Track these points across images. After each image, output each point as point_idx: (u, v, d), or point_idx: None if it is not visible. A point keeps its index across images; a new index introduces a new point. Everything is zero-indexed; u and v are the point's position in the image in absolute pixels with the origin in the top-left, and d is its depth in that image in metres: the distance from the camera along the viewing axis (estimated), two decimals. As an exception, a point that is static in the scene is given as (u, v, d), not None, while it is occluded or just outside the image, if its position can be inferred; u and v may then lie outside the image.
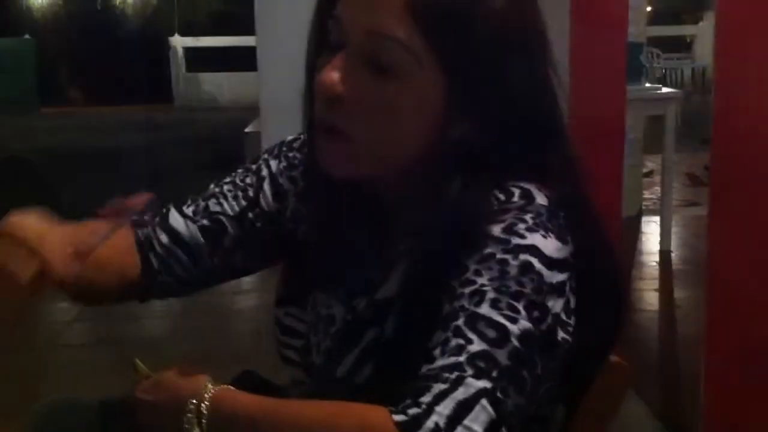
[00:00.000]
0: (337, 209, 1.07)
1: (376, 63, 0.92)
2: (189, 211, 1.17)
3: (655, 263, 5.19)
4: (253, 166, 1.19)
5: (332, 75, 0.93)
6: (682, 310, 4.45)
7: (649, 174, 7.13)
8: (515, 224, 0.91)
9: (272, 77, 5.05)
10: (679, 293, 4.76)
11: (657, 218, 5.60)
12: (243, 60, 19.97)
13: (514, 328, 0.85)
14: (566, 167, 1.00)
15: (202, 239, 1.15)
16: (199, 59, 19.96)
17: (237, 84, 19.69)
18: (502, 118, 0.94)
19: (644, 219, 6.09)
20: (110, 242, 1.04)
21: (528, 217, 0.92)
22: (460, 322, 0.85)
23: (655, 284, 4.87)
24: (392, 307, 0.99)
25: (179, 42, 19.74)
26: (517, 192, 0.94)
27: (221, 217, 1.15)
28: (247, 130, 9.20)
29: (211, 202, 1.17)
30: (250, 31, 21.48)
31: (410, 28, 0.90)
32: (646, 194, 6.66)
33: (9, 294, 0.92)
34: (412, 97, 0.93)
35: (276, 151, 1.20)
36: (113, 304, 1.21)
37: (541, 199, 0.94)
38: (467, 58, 0.92)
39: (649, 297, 4.64)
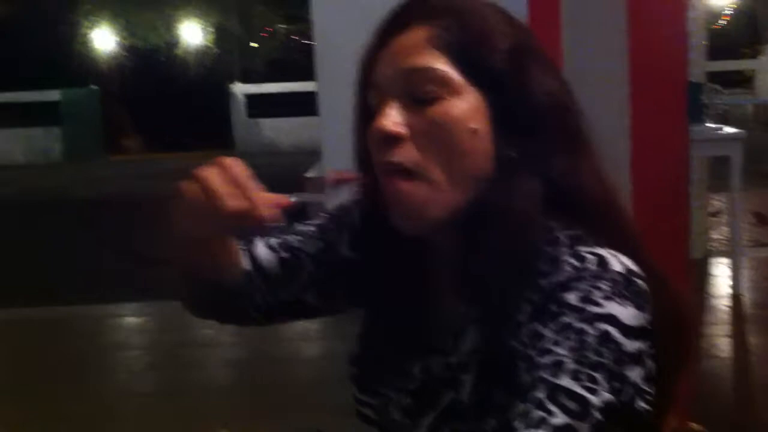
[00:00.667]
0: (402, 264, 1.07)
1: (420, 96, 0.97)
2: (273, 242, 1.20)
3: (726, 307, 5.05)
4: (338, 213, 1.23)
5: (385, 119, 0.98)
6: (756, 356, 4.32)
7: (715, 214, 6.99)
8: (591, 292, 0.91)
9: (333, 122, 5.10)
10: (753, 339, 4.63)
11: (725, 260, 5.46)
12: (302, 105, 20.34)
13: (595, 400, 0.85)
14: (625, 228, 1.01)
15: (280, 271, 1.17)
16: (259, 105, 20.36)
17: (297, 129, 20.00)
18: (534, 129, 0.97)
19: (712, 261, 5.95)
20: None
21: (604, 284, 0.91)
22: (541, 394, 0.86)
23: (728, 330, 4.74)
24: (467, 371, 0.99)
25: (240, 89, 20.19)
26: (591, 258, 0.94)
27: (300, 254, 1.18)
28: (307, 174, 9.29)
29: (294, 238, 1.20)
30: (309, 76, 21.64)
31: (438, 58, 0.97)
32: (713, 235, 6.52)
33: (211, 215, 0.96)
34: (460, 117, 0.96)
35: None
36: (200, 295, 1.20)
37: (616, 266, 0.93)
38: (494, 74, 0.97)
39: (722, 343, 4.51)
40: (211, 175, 0.96)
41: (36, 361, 4.57)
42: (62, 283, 6.56)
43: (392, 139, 0.97)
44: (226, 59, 19.70)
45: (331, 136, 5.02)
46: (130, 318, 5.71)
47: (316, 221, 1.23)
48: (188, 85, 19.50)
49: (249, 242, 1.20)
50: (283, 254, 1.19)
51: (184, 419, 3.58)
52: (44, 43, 19.54)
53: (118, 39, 19.66)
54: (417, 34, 0.99)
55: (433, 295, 1.06)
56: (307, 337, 4.76)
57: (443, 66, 0.97)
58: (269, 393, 4.00)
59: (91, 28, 19.45)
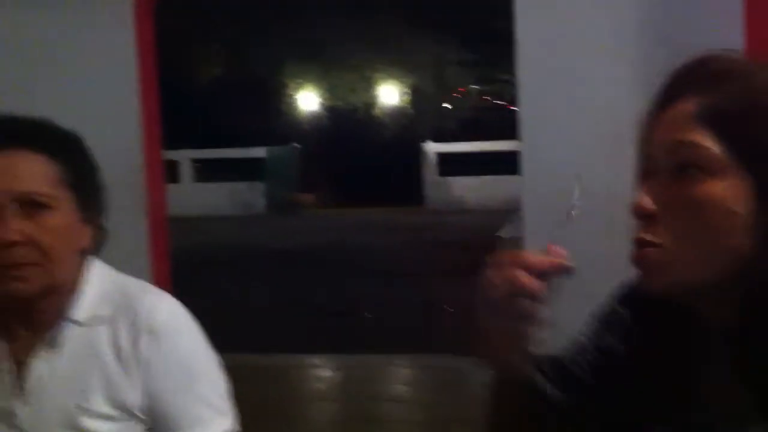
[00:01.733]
0: (665, 337, 1.03)
1: (680, 171, 0.94)
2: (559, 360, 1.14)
3: None
4: (605, 314, 1.15)
5: (643, 197, 0.97)
6: None
7: None
8: None
9: (536, 182, 5.08)
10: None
11: None
12: (492, 164, 20.47)
13: None
14: None
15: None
16: (450, 163, 20.67)
17: (486, 187, 20.09)
18: None
19: None
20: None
21: None
22: None
23: None
24: None
25: (432, 147, 20.61)
26: None
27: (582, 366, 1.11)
28: (501, 234, 9.28)
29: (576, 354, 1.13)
30: (499, 136, 21.73)
31: (704, 134, 0.93)
32: None
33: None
34: (717, 199, 0.92)
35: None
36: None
37: None
38: (763, 152, 0.91)
39: None
40: (516, 275, 0.93)
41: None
42: (257, 330, 6.84)
43: (646, 217, 0.96)
44: (419, 119, 20.22)
45: (532, 195, 5.01)
46: (321, 370, 5.87)
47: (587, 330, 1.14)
48: (383, 143, 20.16)
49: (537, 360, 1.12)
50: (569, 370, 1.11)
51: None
52: (252, 104, 20.96)
53: (319, 100, 20.70)
54: (685, 107, 0.96)
55: (707, 375, 1.00)
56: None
57: (706, 143, 0.93)
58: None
59: (295, 89, 20.63)
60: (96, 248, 1.26)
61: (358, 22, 18.24)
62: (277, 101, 20.85)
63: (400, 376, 5.40)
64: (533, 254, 0.94)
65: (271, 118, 20.86)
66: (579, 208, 1.03)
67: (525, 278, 0.92)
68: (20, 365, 1.20)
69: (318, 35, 18.97)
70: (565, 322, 1.08)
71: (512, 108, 22.12)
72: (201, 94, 20.70)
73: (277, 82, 20.60)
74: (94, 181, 1.25)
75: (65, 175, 1.18)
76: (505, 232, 9.72)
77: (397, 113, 20.38)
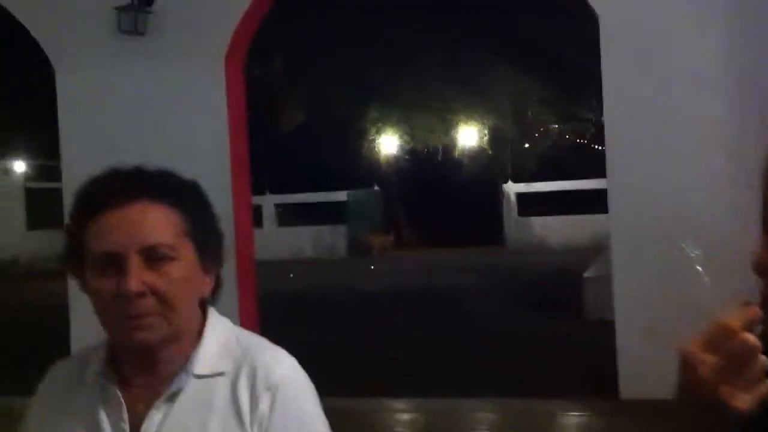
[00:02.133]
0: None
1: None
2: None
3: None
4: None
5: (758, 252, 0.96)
6: None
7: None
8: None
9: (625, 220, 5.02)
10: None
11: None
12: (573, 204, 20.24)
13: None
14: None
15: None
16: (530, 203, 20.52)
17: (567, 227, 19.84)
18: None
19: None
20: None
21: None
22: None
23: None
24: None
25: (512, 188, 20.52)
26: None
27: None
28: (586, 275, 9.13)
29: None
30: (580, 175, 21.39)
31: None
32: None
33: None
34: None
35: None
36: None
37: None
38: None
39: None
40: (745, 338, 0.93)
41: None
42: (345, 372, 6.85)
43: (760, 273, 0.96)
44: (499, 159, 20.19)
45: (621, 233, 4.96)
46: (406, 414, 5.83)
47: None
48: (463, 184, 20.17)
49: None
50: None
51: None
52: (334, 148, 21.30)
53: (399, 142, 20.89)
54: None
55: None
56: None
57: None
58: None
59: (376, 133, 20.89)
60: (214, 298, 1.26)
61: (438, 63, 18.41)
62: (358, 144, 21.14)
63: (485, 419, 5.34)
64: (733, 317, 0.90)
65: (352, 161, 21.13)
66: (701, 262, 1.02)
67: (752, 339, 0.88)
68: (137, 415, 1.19)
69: (398, 78, 19.21)
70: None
71: (593, 146, 21.88)
72: (283, 139, 21.13)
73: (358, 126, 20.91)
74: (213, 230, 1.25)
75: (186, 224, 1.19)
76: (590, 272, 9.57)
77: (476, 154, 20.39)
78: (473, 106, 19.67)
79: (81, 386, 1.24)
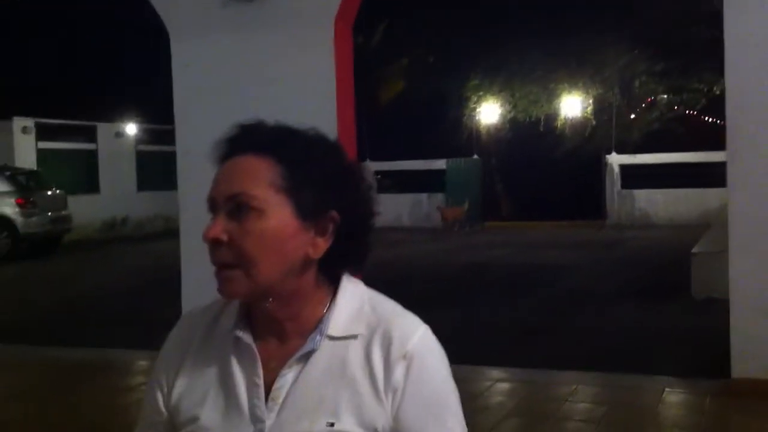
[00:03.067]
0: None
1: None
2: None
3: None
4: None
5: None
6: None
7: None
8: None
9: (745, 194, 4.81)
10: None
11: None
12: (679, 177, 19.56)
13: None
14: None
15: None
16: (633, 176, 19.95)
17: (673, 201, 19.24)
18: None
19: None
20: None
21: None
22: None
23: None
24: None
25: (615, 160, 19.98)
26: None
27: None
28: (695, 250, 8.81)
29: None
30: (687, 148, 20.76)
31: None
32: None
33: None
34: None
35: None
36: None
37: None
38: None
39: None
40: None
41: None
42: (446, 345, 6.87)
43: None
44: (602, 130, 19.66)
45: (739, 207, 4.76)
46: (507, 383, 5.81)
47: None
48: (564, 156, 19.76)
49: None
50: None
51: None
52: (435, 117, 21.22)
53: (501, 112, 20.61)
54: None
55: None
56: None
57: None
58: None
59: (477, 101, 20.67)
60: (351, 260, 1.23)
61: (543, 33, 18.04)
62: (459, 113, 20.98)
63: (589, 393, 5.27)
64: None
65: (453, 129, 21.02)
66: None
67: None
68: (269, 372, 1.19)
69: (501, 48, 18.93)
70: None
71: (703, 118, 21.07)
72: (384, 106, 21.20)
73: (459, 95, 20.74)
74: (331, 190, 1.18)
75: (286, 181, 1.14)
76: (698, 248, 9.24)
77: (579, 124, 19.92)
78: (578, 75, 19.20)
79: (214, 337, 1.25)
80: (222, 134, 1.21)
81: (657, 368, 5.70)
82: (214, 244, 1.14)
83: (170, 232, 20.87)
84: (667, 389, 5.09)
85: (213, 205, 1.17)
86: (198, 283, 5.00)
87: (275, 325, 1.20)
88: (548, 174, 20.37)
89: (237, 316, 1.23)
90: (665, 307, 8.40)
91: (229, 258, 1.14)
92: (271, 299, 1.18)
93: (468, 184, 20.72)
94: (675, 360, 6.05)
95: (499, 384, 5.55)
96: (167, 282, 7.32)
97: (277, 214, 1.14)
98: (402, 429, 1.15)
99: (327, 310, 1.20)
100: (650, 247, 14.50)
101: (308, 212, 1.16)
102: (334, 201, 1.18)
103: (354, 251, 1.22)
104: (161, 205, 20.76)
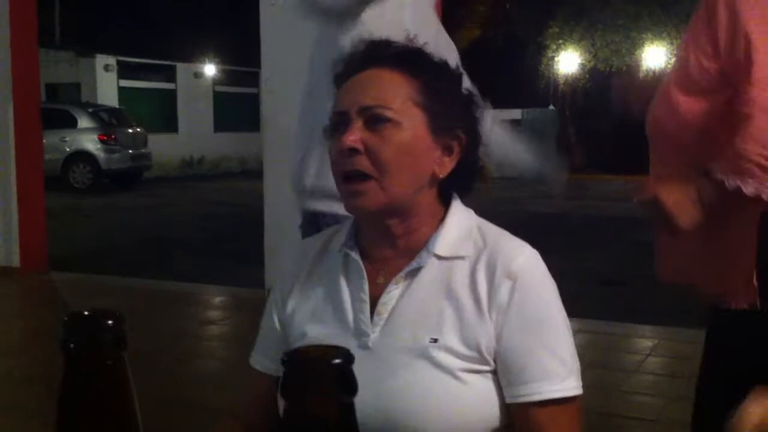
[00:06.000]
0: None
1: None
2: None
3: None
4: None
5: None
6: None
7: None
8: None
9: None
10: None
11: None
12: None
13: None
14: None
15: None
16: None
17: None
18: None
19: None
20: None
21: None
22: None
23: None
24: None
25: (697, 114, 19.38)
26: None
27: None
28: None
29: None
30: None
31: None
32: None
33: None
34: None
35: None
36: None
37: None
38: None
39: None
40: None
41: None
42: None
43: None
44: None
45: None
46: (584, 333, 5.79)
47: None
48: (642, 108, 19.28)
49: None
50: None
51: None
52: (511, 64, 20.89)
53: (580, 61, 20.18)
54: None
55: None
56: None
57: None
58: None
59: (556, 50, 20.25)
60: (463, 184, 1.25)
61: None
62: (536, 61, 20.61)
63: (670, 349, 5.21)
64: None
65: (530, 78, 20.68)
66: None
67: None
68: (376, 288, 1.20)
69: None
70: None
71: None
72: (461, 53, 20.90)
73: (537, 42, 20.35)
74: (459, 109, 1.21)
75: (420, 95, 1.16)
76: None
77: (662, 76, 19.35)
78: (661, 24, 18.61)
79: (326, 255, 1.29)
80: (348, 51, 1.23)
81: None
82: (350, 153, 1.15)
83: (246, 172, 21.22)
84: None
85: (340, 120, 1.18)
86: (279, 220, 5.08)
87: (388, 241, 1.22)
88: (625, 127, 19.91)
89: (348, 234, 1.26)
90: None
91: (364, 167, 1.15)
92: (393, 217, 1.19)
93: (543, 135, 20.44)
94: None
95: (577, 335, 5.53)
96: (246, 218, 7.46)
97: (414, 128, 1.16)
98: (506, 349, 1.15)
99: (436, 230, 1.22)
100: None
101: (439, 129, 1.18)
102: (461, 121, 1.20)
103: (468, 175, 1.24)
104: (236, 146, 21.07)
